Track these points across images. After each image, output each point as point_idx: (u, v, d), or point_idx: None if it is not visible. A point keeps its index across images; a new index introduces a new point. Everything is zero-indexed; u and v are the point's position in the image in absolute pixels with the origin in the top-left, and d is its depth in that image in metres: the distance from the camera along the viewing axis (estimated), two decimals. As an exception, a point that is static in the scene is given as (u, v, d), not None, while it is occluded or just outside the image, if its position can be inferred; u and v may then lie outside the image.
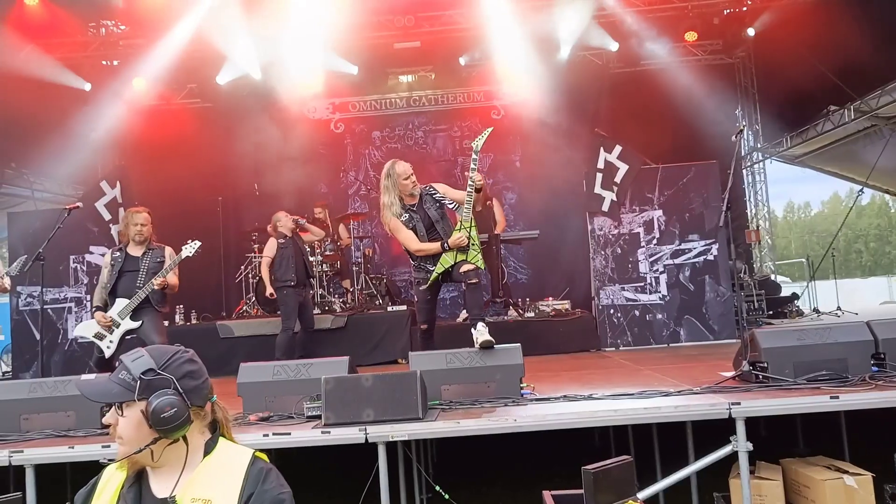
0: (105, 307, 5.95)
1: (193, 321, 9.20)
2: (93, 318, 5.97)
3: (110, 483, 1.79)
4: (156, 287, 5.83)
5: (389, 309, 8.81)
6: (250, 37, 10.45)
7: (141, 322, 5.91)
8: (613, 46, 10.81)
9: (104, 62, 10.99)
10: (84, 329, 6.05)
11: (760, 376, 4.38)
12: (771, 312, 10.46)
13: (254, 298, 9.34)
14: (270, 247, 7.65)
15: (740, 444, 3.87)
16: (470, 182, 5.10)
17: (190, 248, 5.93)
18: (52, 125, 10.04)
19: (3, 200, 11.52)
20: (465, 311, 8.67)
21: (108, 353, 5.90)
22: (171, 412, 1.66)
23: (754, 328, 5.09)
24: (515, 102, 11.45)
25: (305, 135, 10.68)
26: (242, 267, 9.92)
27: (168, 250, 6.11)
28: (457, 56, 11.21)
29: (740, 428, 3.87)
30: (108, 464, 1.80)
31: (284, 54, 10.47)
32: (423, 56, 11.39)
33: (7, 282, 6.53)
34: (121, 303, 5.90)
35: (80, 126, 10.19)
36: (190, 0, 9.97)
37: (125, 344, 5.96)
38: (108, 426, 1.73)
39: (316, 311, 8.56)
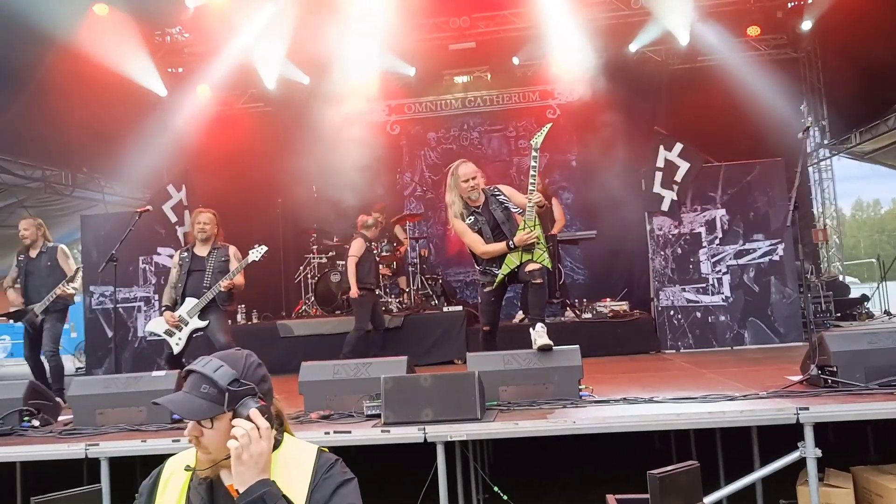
0: (174, 306, 6.15)
1: (255, 320, 9.43)
2: (162, 316, 6.18)
3: (175, 476, 1.84)
4: (222, 290, 5.99)
5: (445, 309, 8.86)
6: (308, 42, 10.67)
7: (208, 321, 6.08)
8: (684, 40, 10.60)
9: (169, 69, 11.36)
10: (155, 325, 6.27)
11: (829, 381, 4.24)
12: (839, 315, 10.11)
13: (312, 298, 9.51)
14: (359, 246, 7.78)
15: (809, 450, 3.75)
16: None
17: (256, 253, 6.07)
18: (121, 131, 10.44)
19: (76, 203, 12.05)
20: (520, 312, 8.65)
21: (176, 350, 6.10)
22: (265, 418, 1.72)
23: (823, 331, 4.93)
24: (571, 101, 11.37)
25: (362, 137, 10.79)
26: (301, 267, 10.11)
27: (232, 249, 6.28)
28: (512, 56, 11.18)
29: (808, 434, 3.76)
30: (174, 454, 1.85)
31: (342, 58, 10.63)
32: (479, 56, 11.40)
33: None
34: (189, 302, 6.09)
35: (148, 131, 10.56)
36: (251, 7, 10.24)
37: (193, 342, 6.16)
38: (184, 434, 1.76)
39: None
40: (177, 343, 6.09)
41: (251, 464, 1.66)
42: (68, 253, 6.91)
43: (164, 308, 6.20)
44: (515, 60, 11.18)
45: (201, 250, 6.23)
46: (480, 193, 5.35)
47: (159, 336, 6.23)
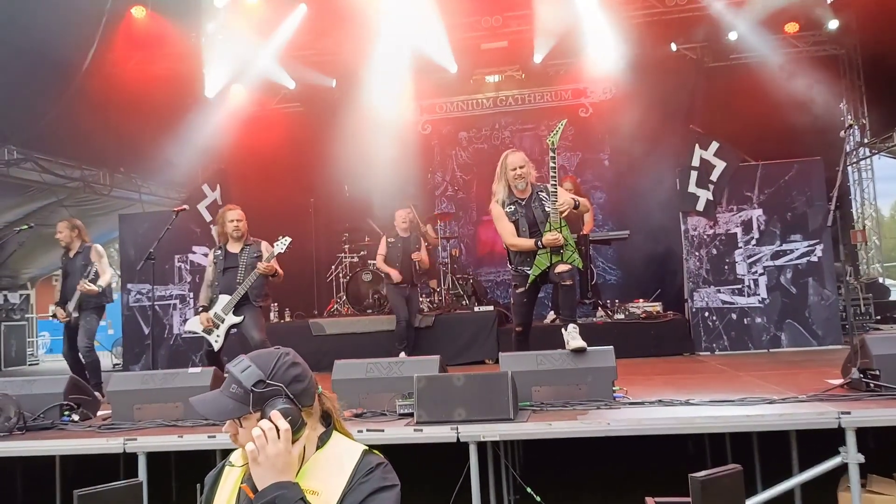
0: (210, 305, 6.19)
1: (287, 319, 9.52)
2: (197, 315, 6.24)
3: (235, 469, 1.84)
4: (261, 272, 5.99)
5: (476, 309, 8.83)
6: (339, 43, 10.74)
7: (243, 317, 6.10)
8: (733, 36, 10.47)
9: (204, 70, 11.49)
10: (194, 324, 6.32)
11: (872, 385, 4.15)
12: (879, 317, 9.88)
13: (344, 297, 9.57)
14: (382, 245, 8.28)
15: (851, 455, 3.67)
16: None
17: (281, 245, 6.08)
18: (157, 132, 10.62)
19: (114, 203, 12.32)
20: (552, 313, 8.59)
21: (216, 347, 6.14)
22: (287, 420, 1.69)
23: (864, 333, 4.82)
24: (604, 100, 11.29)
25: (393, 137, 10.85)
26: (333, 267, 10.17)
27: (264, 244, 6.29)
28: (543, 55, 11.09)
29: (850, 439, 3.68)
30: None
31: (374, 58, 10.68)
32: (510, 56, 11.37)
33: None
34: (223, 299, 6.12)
35: (183, 132, 10.71)
36: (283, 8, 10.34)
37: (230, 338, 6.21)
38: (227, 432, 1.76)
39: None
40: (215, 340, 6.13)
41: (268, 466, 1.64)
42: (101, 252, 6.97)
43: (199, 308, 6.24)
44: (538, 58, 11.05)
45: (234, 247, 6.27)
46: (528, 186, 5.29)
47: (198, 334, 6.29)
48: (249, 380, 1.71)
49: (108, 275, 6.88)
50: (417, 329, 8.25)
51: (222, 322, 6.11)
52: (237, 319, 6.10)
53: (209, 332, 6.12)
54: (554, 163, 5.05)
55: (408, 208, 8.56)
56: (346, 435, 1.86)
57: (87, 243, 7.00)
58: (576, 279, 5.24)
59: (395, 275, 7.95)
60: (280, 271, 6.20)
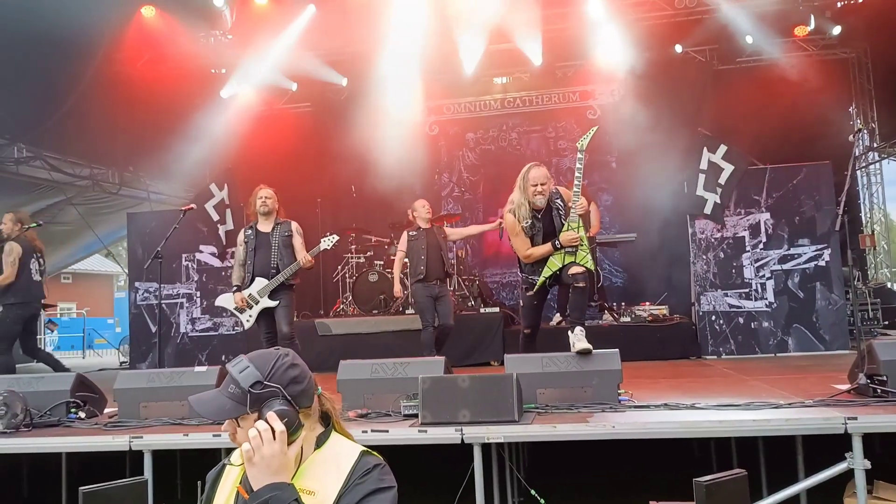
0: (243, 285, 6.21)
1: (293, 318, 9.53)
2: (233, 296, 6.26)
3: (234, 468, 1.85)
4: (303, 266, 6.06)
5: (482, 311, 8.83)
6: (347, 44, 10.76)
7: (279, 301, 6.14)
8: (742, 39, 10.43)
9: (213, 70, 11.55)
10: (225, 301, 6.37)
11: (879, 390, 4.12)
12: (887, 322, 9.83)
13: (350, 298, 9.57)
14: (402, 241, 7.39)
15: (857, 461, 3.64)
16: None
17: (328, 241, 6.22)
18: (166, 131, 10.66)
19: (123, 201, 12.39)
20: (557, 315, 8.57)
21: (247, 326, 6.23)
22: (283, 422, 1.70)
23: (871, 339, 4.79)
24: (612, 102, 11.25)
25: (401, 137, 10.84)
26: (339, 267, 10.18)
27: (294, 224, 6.33)
28: (552, 57, 11.06)
29: (857, 444, 3.65)
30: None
31: (381, 59, 10.68)
32: (518, 57, 11.34)
33: None
34: (260, 282, 6.14)
35: (191, 131, 10.75)
36: (291, 9, 10.36)
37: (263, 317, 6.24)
38: (226, 431, 1.77)
39: (409, 311, 8.66)
40: (247, 320, 6.18)
41: (263, 466, 1.65)
42: (9, 251, 6.92)
43: (234, 289, 6.26)
44: (537, 62, 11.02)
45: (265, 226, 6.27)
46: (541, 201, 5.30)
47: (229, 311, 6.33)
48: (247, 380, 1.72)
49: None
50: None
51: (256, 304, 6.13)
52: (272, 304, 6.13)
53: (241, 310, 6.15)
54: (580, 164, 5.08)
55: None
56: (345, 435, 1.87)
57: (17, 241, 6.99)
58: (588, 282, 5.25)
59: (398, 289, 7.47)
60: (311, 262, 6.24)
